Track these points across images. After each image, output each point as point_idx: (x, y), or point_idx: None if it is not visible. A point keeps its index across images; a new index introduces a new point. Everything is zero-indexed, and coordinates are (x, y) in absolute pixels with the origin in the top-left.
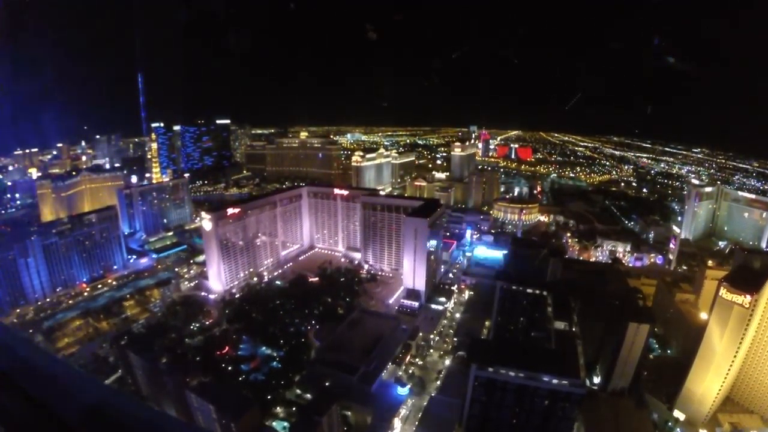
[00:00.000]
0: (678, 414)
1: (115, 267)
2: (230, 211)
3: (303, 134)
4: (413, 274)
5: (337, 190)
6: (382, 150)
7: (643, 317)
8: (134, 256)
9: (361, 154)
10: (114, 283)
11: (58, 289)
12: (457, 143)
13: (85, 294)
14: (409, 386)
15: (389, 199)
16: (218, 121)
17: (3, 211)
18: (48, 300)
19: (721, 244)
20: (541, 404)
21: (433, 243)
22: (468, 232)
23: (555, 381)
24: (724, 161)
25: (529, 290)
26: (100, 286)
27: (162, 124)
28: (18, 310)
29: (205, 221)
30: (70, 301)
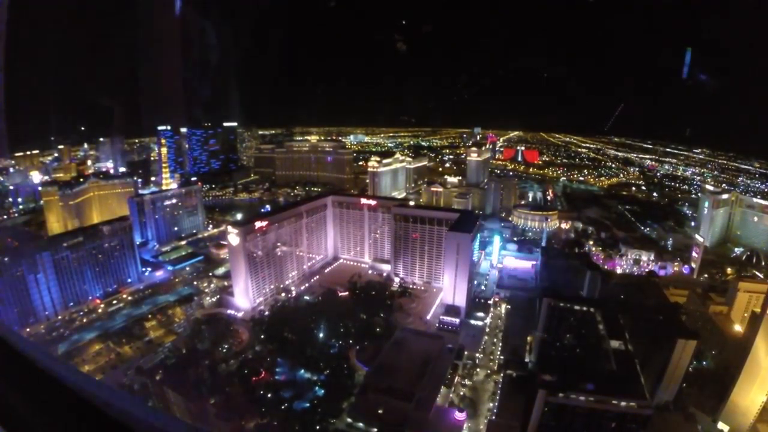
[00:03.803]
0: (722, 426)
1: (129, 280)
2: (258, 224)
3: (313, 138)
4: (454, 290)
5: (363, 200)
6: (398, 155)
7: (690, 334)
8: (149, 269)
9: (378, 159)
10: (129, 298)
11: (70, 305)
12: (474, 148)
13: (99, 311)
14: (465, 411)
15: (422, 210)
16: (225, 124)
17: (5, 217)
18: (60, 318)
19: (737, 250)
20: (608, 426)
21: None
22: (496, 241)
23: (624, 403)
24: (725, 162)
25: (576, 306)
26: (115, 302)
27: (169, 127)
28: (28, 329)
29: (232, 235)
30: (84, 320)
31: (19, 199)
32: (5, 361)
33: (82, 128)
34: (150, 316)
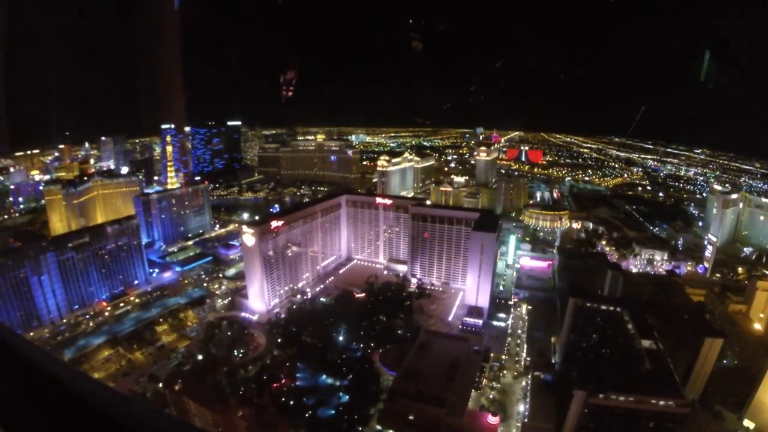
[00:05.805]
0: (748, 423)
1: (136, 282)
2: (273, 224)
3: (319, 137)
4: (477, 290)
5: (379, 199)
6: (406, 154)
7: (716, 333)
8: (156, 270)
9: (387, 158)
10: (137, 300)
11: (75, 308)
12: (482, 147)
13: (106, 314)
14: (498, 415)
15: (441, 209)
16: (229, 123)
17: (6, 216)
18: (65, 321)
19: (746, 250)
20: (646, 426)
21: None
22: (512, 241)
23: (662, 403)
24: (726, 162)
25: (603, 306)
26: (122, 304)
27: (172, 126)
28: (32, 333)
29: (247, 235)
30: (91, 323)
31: (20, 199)
32: (7, 364)
33: (83, 127)
34: (161, 319)
